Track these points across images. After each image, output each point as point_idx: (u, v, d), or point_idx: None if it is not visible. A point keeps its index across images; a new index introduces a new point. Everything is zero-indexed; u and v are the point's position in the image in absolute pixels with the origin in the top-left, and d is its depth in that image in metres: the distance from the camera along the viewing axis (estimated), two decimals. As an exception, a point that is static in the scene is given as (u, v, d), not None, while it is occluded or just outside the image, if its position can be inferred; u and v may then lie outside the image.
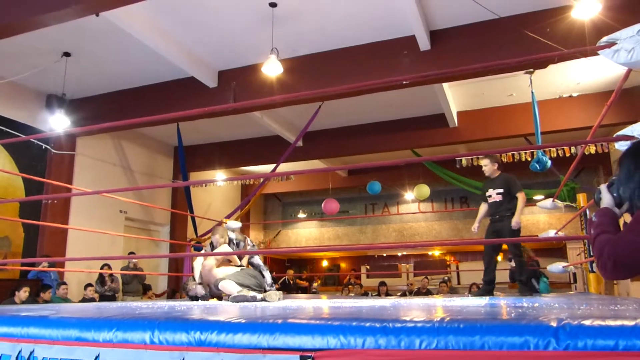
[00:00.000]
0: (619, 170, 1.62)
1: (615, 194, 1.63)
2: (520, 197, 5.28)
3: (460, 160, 10.16)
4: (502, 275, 12.14)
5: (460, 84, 8.37)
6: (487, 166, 5.54)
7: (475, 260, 15.94)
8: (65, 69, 7.34)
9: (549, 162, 7.58)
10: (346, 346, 1.61)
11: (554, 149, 8.59)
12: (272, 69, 6.42)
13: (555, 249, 14.07)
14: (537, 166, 7.63)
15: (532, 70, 7.29)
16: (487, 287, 5.24)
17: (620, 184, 1.61)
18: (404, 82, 6.20)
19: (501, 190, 5.36)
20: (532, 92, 7.38)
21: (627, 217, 1.67)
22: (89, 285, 8.09)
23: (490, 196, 5.46)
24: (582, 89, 8.60)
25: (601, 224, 1.55)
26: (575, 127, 8.69)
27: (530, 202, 11.17)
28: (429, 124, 9.69)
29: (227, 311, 2.68)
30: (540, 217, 13.97)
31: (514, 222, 5.13)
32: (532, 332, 1.46)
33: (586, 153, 8.27)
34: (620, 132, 2.75)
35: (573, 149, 8.69)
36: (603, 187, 1.67)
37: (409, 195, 14.37)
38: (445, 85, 8.20)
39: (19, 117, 7.98)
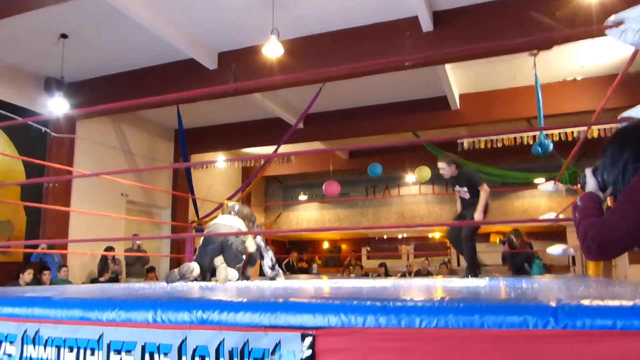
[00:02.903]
0: (604, 155, 1.64)
1: (599, 179, 1.66)
2: (483, 190, 5.22)
3: (462, 142, 10.16)
4: (499, 259, 12.25)
5: (463, 66, 8.31)
6: (444, 169, 5.47)
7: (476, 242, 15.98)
8: (63, 51, 7.29)
9: (551, 146, 7.58)
10: (347, 324, 1.63)
11: (556, 132, 8.58)
12: (272, 50, 6.38)
13: (555, 233, 14.11)
14: (539, 149, 7.62)
15: (536, 52, 7.24)
16: (471, 269, 5.27)
17: (604, 168, 1.64)
18: (406, 64, 6.18)
19: (465, 188, 5.37)
20: (536, 75, 7.34)
21: (610, 202, 1.70)
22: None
23: (459, 192, 5.48)
24: (586, 73, 8.55)
25: (586, 207, 1.58)
26: (578, 110, 8.64)
27: (531, 185, 11.23)
28: (431, 107, 9.65)
29: (228, 291, 2.71)
30: (540, 200, 13.99)
31: (476, 217, 5.12)
32: (531, 312, 1.48)
33: (589, 137, 8.24)
34: (625, 114, 2.73)
35: (575, 133, 8.68)
36: (588, 172, 1.70)
37: (410, 177, 14.38)
38: (448, 67, 8.15)
39: (18, 101, 7.96)
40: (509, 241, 7.04)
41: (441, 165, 5.50)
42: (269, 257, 5.12)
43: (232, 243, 4.64)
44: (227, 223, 4.75)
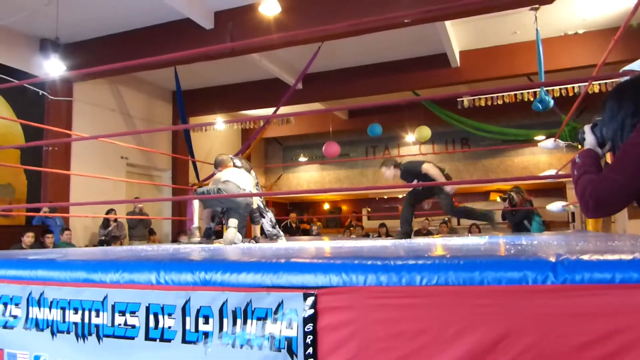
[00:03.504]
0: (603, 111, 1.62)
1: (598, 135, 1.65)
2: (428, 170, 5.13)
3: (462, 100, 10.08)
4: (499, 217, 12.32)
5: (463, 22, 8.16)
6: (387, 172, 5.38)
7: (475, 201, 16.09)
8: (57, 11, 7.14)
9: (552, 102, 7.50)
10: (348, 283, 1.65)
11: (557, 88, 8.48)
12: (269, 8, 6.25)
13: (554, 189, 14.17)
14: (540, 106, 7.55)
15: (537, 6, 7.09)
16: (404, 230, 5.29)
17: (603, 124, 1.62)
18: (406, 20, 6.05)
19: (415, 181, 5.28)
20: (537, 30, 7.21)
21: (609, 158, 1.68)
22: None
23: (415, 190, 5.45)
24: (587, 26, 8.39)
25: (584, 164, 1.58)
26: (579, 65, 8.53)
27: (531, 142, 11.20)
28: (430, 64, 9.53)
29: (230, 252, 2.73)
30: (540, 157, 13.99)
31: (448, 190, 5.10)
32: (531, 267, 1.49)
33: (589, 92, 8.16)
34: (626, 67, 2.69)
35: (576, 88, 8.58)
36: (587, 128, 1.69)
37: (409, 137, 14.32)
38: (448, 23, 7.99)
39: (13, 63, 7.84)
40: (510, 198, 7.06)
41: (382, 170, 5.43)
42: (269, 217, 5.15)
43: (245, 201, 4.66)
44: (241, 184, 4.69)
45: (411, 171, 5.29)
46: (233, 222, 4.51)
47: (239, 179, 4.68)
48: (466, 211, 5.57)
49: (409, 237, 5.27)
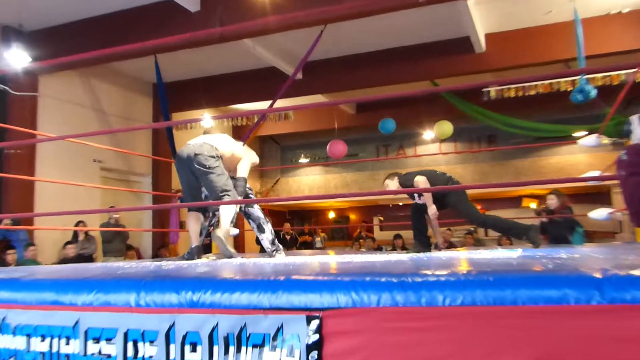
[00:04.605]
0: None
1: None
2: (417, 182, 5.11)
3: (488, 91, 10.08)
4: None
5: (488, 0, 8.17)
6: (389, 186, 5.44)
7: (504, 208, 16.06)
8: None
9: (594, 92, 7.47)
10: (359, 304, 1.64)
11: (600, 76, 8.48)
12: (264, -13, 6.27)
13: (597, 194, 14.14)
14: (579, 97, 7.52)
15: (574, -20, 7.10)
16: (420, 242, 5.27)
17: None
18: (420, 0, 6.07)
19: (415, 195, 5.29)
20: (575, 8, 7.20)
21: None
22: (69, 243, 8.22)
23: (416, 203, 5.43)
24: (634, 3, 8.38)
25: (632, 163, 1.55)
26: (625, 49, 8.52)
27: (569, 139, 11.19)
28: (451, 50, 9.53)
29: (222, 268, 2.73)
30: (579, 157, 13.98)
31: (430, 213, 5.07)
32: (572, 285, 1.48)
33: (637, 81, 8.15)
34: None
35: (623, 76, 8.57)
36: (634, 119, 1.65)
37: (428, 134, 14.34)
38: (471, 2, 8.00)
39: (-30, 53, 7.89)
40: (547, 211, 6.97)
41: (385, 184, 5.52)
42: (269, 230, 5.09)
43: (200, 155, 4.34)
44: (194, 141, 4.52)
45: (408, 183, 5.29)
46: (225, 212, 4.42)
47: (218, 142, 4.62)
48: (495, 222, 5.40)
49: (428, 249, 5.25)
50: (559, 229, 6.99)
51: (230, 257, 4.20)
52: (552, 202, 6.90)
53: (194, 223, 4.74)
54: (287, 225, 13.04)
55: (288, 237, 12.44)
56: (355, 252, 6.87)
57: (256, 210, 5.05)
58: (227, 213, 4.35)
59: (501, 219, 5.40)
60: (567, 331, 1.44)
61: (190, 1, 7.41)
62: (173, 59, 9.54)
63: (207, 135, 4.78)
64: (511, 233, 5.56)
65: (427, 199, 5.10)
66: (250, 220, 5.01)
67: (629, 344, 1.38)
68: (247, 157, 4.89)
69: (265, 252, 5.22)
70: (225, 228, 4.30)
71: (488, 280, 1.56)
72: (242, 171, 4.80)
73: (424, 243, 5.28)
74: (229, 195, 4.30)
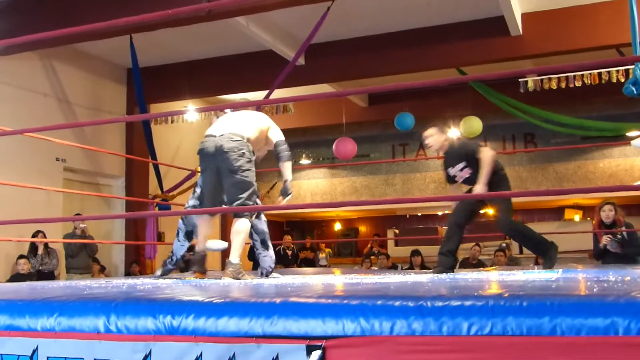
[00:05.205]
0: None
1: None
2: (484, 155, 5.17)
3: (526, 81, 10.06)
4: (577, 243, 12.18)
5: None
6: (433, 137, 5.53)
7: (544, 221, 16.03)
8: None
9: (651, 83, 7.49)
10: (368, 332, 1.65)
11: (658, 65, 8.44)
12: (260, -44, 6.29)
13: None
14: (634, 89, 7.52)
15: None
16: (445, 259, 5.26)
17: None
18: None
19: (463, 164, 5.31)
20: (629, -16, 7.21)
21: None
22: (23, 257, 8.23)
23: (454, 176, 5.49)
24: (699, -22, 8.39)
25: None
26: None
27: (623, 139, 11.17)
28: (481, 32, 9.52)
29: (206, 289, 2.74)
30: (635, 160, 13.93)
31: (476, 189, 5.10)
32: (622, 312, 1.49)
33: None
34: None
35: (685, 65, 8.55)
36: None
37: (453, 131, 14.32)
38: (506, -25, 8.03)
39: None
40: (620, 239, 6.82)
41: (430, 133, 5.58)
42: (272, 249, 5.06)
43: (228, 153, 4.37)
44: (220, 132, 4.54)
45: (466, 150, 5.36)
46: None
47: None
48: (523, 233, 5.48)
49: (452, 269, 5.26)
50: (633, 250, 6.81)
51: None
52: (611, 214, 6.76)
53: (206, 227, 4.77)
54: (288, 238, 13.02)
55: (289, 252, 12.41)
56: (365, 271, 6.87)
57: (262, 223, 5.01)
58: (241, 235, 4.38)
59: (530, 231, 5.46)
60: (615, 367, 1.45)
61: (172, -29, 7.44)
62: (152, 40, 9.56)
63: (230, 121, 4.76)
64: (534, 248, 5.58)
65: (484, 176, 5.10)
66: (252, 233, 4.95)
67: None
68: (273, 125, 5.04)
69: (258, 270, 5.21)
70: (238, 252, 4.33)
71: (522, 305, 1.57)
72: (277, 135, 5.01)
73: (449, 260, 5.28)
74: (245, 216, 4.37)
